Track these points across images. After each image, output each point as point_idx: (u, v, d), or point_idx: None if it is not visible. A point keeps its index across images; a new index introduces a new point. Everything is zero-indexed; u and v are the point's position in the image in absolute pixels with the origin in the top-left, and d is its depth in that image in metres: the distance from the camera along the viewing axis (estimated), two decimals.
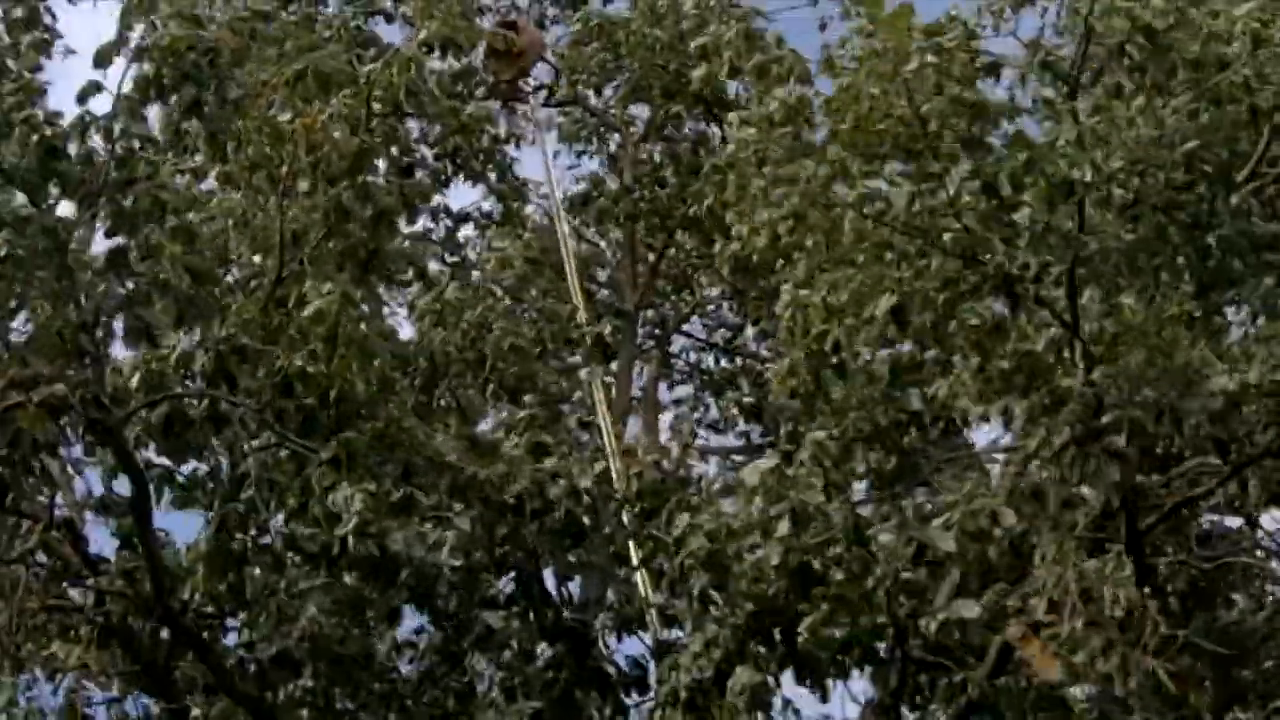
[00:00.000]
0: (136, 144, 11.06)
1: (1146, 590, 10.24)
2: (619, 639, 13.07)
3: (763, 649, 11.99)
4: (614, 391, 15.77)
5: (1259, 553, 13.59)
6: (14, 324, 10.97)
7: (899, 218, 10.78)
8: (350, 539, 11.25)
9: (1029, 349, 10.91)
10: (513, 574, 12.73)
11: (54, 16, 11.77)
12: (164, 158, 11.84)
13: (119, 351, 11.67)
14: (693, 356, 19.04)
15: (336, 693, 12.48)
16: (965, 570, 10.94)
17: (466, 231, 17.16)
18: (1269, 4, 10.73)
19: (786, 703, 12.51)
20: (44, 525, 11.61)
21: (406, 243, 13.23)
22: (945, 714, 12.07)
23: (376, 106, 12.48)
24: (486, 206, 17.24)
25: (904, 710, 12.39)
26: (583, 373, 15.53)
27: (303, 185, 12.36)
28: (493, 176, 16.69)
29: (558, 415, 14.39)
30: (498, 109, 16.52)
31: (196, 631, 12.27)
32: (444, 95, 12.82)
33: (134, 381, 11.60)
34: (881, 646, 12.14)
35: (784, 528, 10.99)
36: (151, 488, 11.75)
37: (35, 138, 10.80)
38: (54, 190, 10.93)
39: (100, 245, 11.63)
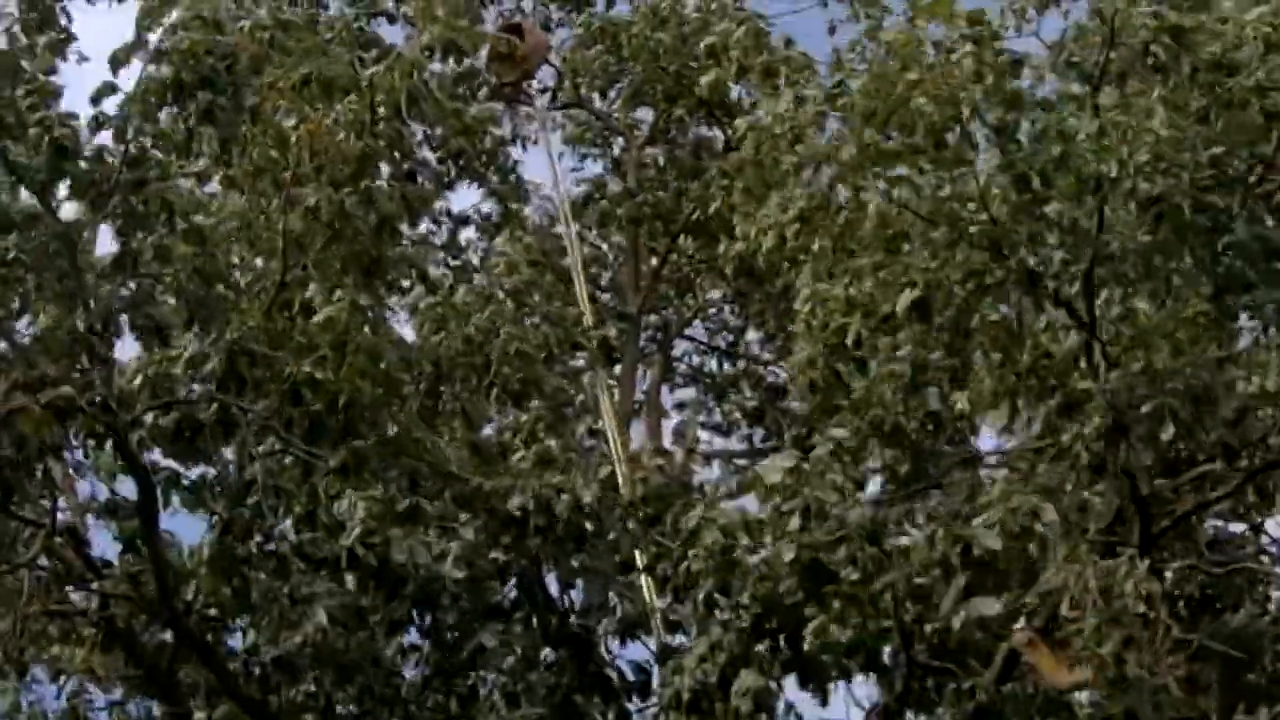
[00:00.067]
0: (149, 143, 11.05)
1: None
2: (622, 644, 13.06)
3: (767, 653, 12.01)
4: (617, 395, 15.73)
5: (1264, 558, 13.57)
6: (20, 325, 10.94)
7: (925, 205, 10.73)
8: (357, 547, 11.23)
9: (1048, 350, 10.88)
10: (516, 580, 12.70)
11: (69, 18, 11.76)
12: (171, 159, 11.80)
13: (123, 354, 11.73)
14: (695, 360, 19.01)
15: (340, 696, 12.43)
16: (1007, 568, 10.88)
17: (468, 234, 17.15)
18: None
19: (789, 706, 12.51)
20: (47, 531, 11.58)
21: (410, 248, 13.18)
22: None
23: (380, 111, 12.45)
24: (486, 209, 17.21)
25: (909, 715, 12.38)
26: (588, 376, 15.52)
27: (306, 191, 12.34)
28: (494, 178, 16.65)
29: (563, 420, 14.38)
30: (501, 110, 16.48)
31: (200, 635, 12.24)
32: (447, 98, 12.76)
33: (137, 383, 11.58)
34: (887, 651, 12.17)
35: (794, 523, 10.96)
36: (159, 491, 11.73)
37: (47, 139, 10.79)
38: (62, 191, 10.91)
39: (103, 246, 11.66)
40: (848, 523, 11.04)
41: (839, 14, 12.94)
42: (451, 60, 12.85)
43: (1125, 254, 10.46)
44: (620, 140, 17.66)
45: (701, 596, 11.92)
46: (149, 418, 11.62)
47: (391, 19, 18.59)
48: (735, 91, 15.78)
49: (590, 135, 17.66)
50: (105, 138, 11.24)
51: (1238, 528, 13.41)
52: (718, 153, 16.45)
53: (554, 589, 12.96)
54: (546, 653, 12.79)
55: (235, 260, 12.67)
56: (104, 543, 12.66)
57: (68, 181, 10.97)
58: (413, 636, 12.82)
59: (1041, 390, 11.03)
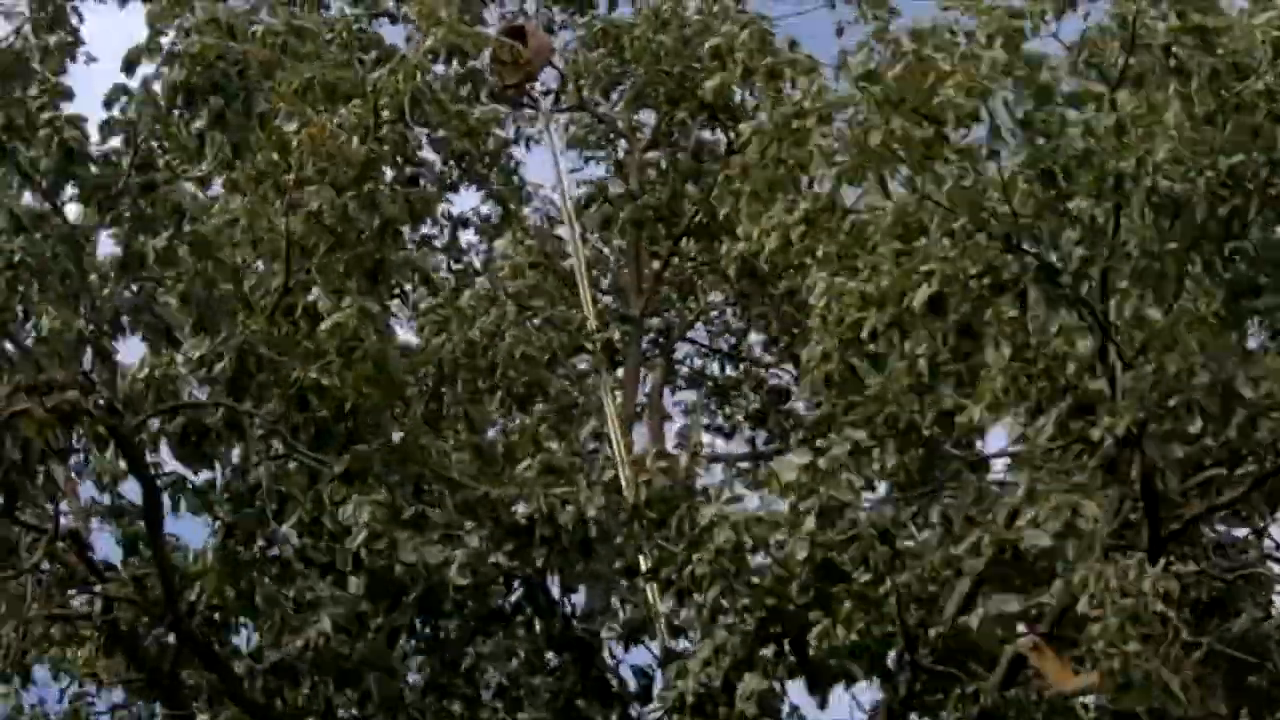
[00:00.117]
0: (156, 146, 11.03)
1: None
2: (625, 649, 13.03)
3: (772, 657, 12.00)
4: (620, 398, 15.71)
5: (1269, 563, 13.54)
6: (27, 328, 10.92)
7: (948, 195, 10.72)
8: (362, 552, 11.22)
9: (1061, 351, 10.86)
10: (519, 585, 12.68)
11: (80, 18, 11.72)
12: (180, 163, 11.79)
13: (127, 357, 11.71)
14: (697, 363, 18.98)
15: (341, 701, 12.40)
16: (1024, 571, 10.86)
17: (468, 236, 17.12)
18: None
19: (794, 709, 12.49)
20: (50, 537, 11.57)
21: (413, 252, 13.15)
22: None
23: (384, 114, 12.43)
24: (485, 210, 17.17)
25: (912, 718, 12.37)
26: (591, 379, 15.51)
27: (309, 195, 12.32)
28: (496, 180, 16.61)
29: (566, 423, 14.37)
30: (505, 111, 16.44)
31: (204, 638, 12.21)
32: (451, 100, 12.74)
33: (139, 387, 11.56)
34: (891, 655, 12.17)
35: (810, 523, 10.93)
36: (167, 494, 11.72)
37: (56, 141, 10.77)
38: (68, 191, 10.89)
39: (105, 248, 11.64)
40: (860, 522, 11.01)
41: (846, 15, 12.87)
42: (455, 63, 12.77)
43: (1143, 254, 10.42)
44: (622, 143, 17.62)
45: (708, 600, 11.92)
46: (154, 422, 11.58)
47: (393, 19, 18.60)
48: (738, 94, 15.71)
49: (594, 138, 17.62)
50: (114, 140, 11.19)
51: (1239, 531, 13.46)
52: (720, 156, 16.42)
53: (555, 592, 12.96)
54: (549, 657, 12.78)
55: (239, 264, 12.62)
56: (105, 546, 12.71)
57: (75, 183, 10.91)
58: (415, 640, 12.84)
59: (1054, 391, 11.00)
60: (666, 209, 16.78)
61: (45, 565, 11.96)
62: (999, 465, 12.83)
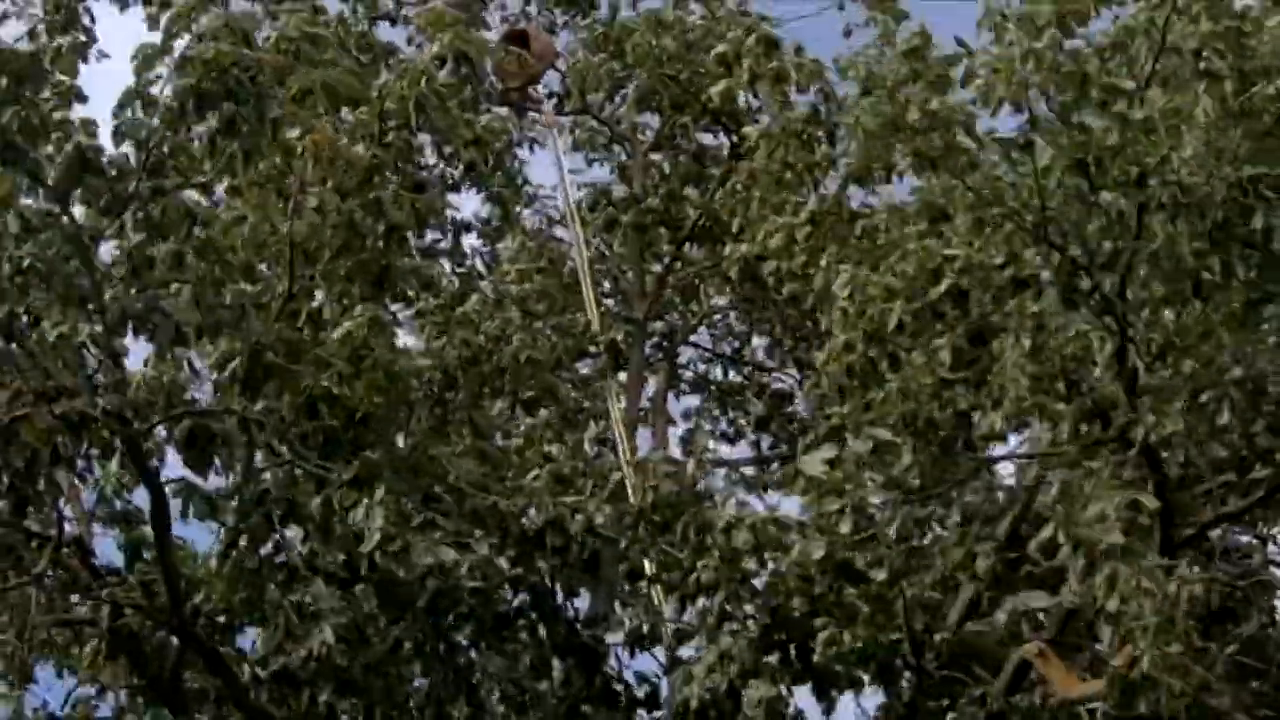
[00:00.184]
0: (167, 151, 11.02)
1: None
2: (631, 655, 13.01)
3: (778, 663, 11.99)
4: (623, 402, 15.69)
5: (1273, 568, 13.55)
6: (35, 333, 10.90)
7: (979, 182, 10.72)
8: (375, 555, 11.21)
9: (1079, 354, 10.86)
10: (524, 591, 12.66)
11: (93, 18, 11.69)
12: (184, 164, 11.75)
13: (133, 362, 11.70)
14: (700, 367, 18.95)
15: (345, 707, 12.38)
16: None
17: (471, 240, 17.09)
18: None
19: (799, 713, 12.48)
20: (55, 543, 11.55)
21: (419, 259, 13.13)
22: None
23: (390, 121, 12.41)
24: (484, 213, 17.14)
25: None
26: (598, 383, 15.50)
27: (311, 201, 12.30)
28: (497, 182, 16.56)
29: (570, 428, 14.37)
30: (508, 114, 16.41)
31: (209, 644, 12.20)
32: (457, 107, 12.72)
33: (146, 393, 11.56)
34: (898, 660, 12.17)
35: (846, 526, 10.90)
36: (179, 500, 11.73)
37: (69, 145, 10.75)
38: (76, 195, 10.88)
39: (105, 249, 11.61)
40: (877, 521, 10.98)
41: (855, 18, 12.82)
42: (461, 68, 12.74)
43: (1164, 251, 10.42)
44: (625, 146, 17.60)
45: (714, 605, 11.93)
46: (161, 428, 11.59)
47: (393, 21, 18.59)
48: (743, 98, 15.67)
49: (601, 141, 17.60)
50: (125, 145, 11.16)
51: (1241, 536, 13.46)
52: (723, 160, 16.41)
53: (558, 597, 12.95)
54: (554, 663, 12.76)
55: (248, 262, 12.58)
56: (106, 549, 12.71)
57: (86, 190, 10.89)
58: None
59: (1071, 393, 10.98)
60: (669, 213, 16.74)
61: (48, 571, 11.94)
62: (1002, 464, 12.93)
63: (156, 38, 11.53)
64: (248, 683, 12.22)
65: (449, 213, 14.40)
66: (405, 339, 13.52)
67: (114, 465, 11.64)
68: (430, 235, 14.71)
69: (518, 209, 16.63)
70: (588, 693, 12.72)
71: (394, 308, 13.29)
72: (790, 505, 12.53)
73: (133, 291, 11.19)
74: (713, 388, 18.60)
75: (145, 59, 11.24)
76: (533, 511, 12.19)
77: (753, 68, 14.82)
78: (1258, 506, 11.59)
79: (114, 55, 12.25)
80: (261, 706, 12.25)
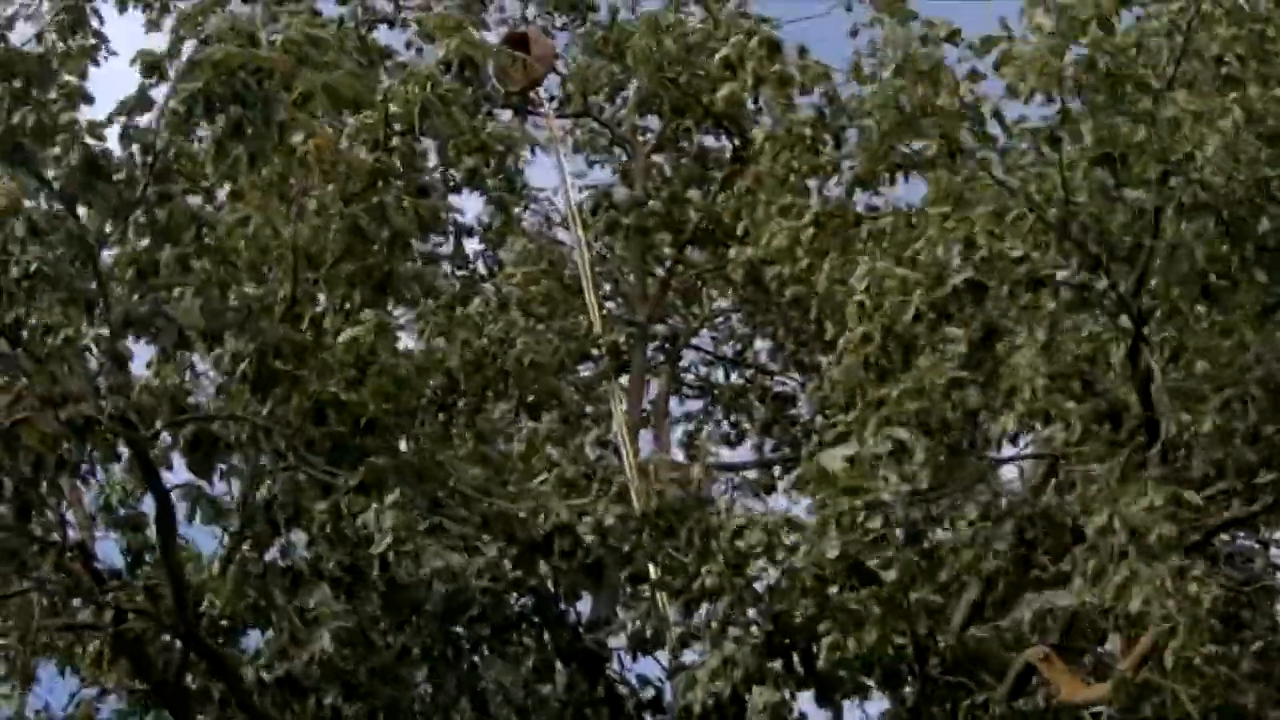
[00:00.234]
0: (172, 154, 11.01)
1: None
2: (634, 659, 13.00)
3: (782, 669, 11.98)
4: (625, 405, 15.67)
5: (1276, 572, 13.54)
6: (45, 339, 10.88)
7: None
8: (388, 556, 11.20)
9: (1090, 354, 10.84)
10: (528, 595, 12.65)
11: (101, 19, 11.64)
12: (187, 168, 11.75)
13: (137, 366, 11.68)
14: (702, 370, 18.94)
15: (349, 712, 12.36)
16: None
17: (473, 245, 17.05)
18: None
19: (802, 718, 12.48)
20: (58, 549, 11.53)
21: (421, 264, 13.10)
22: None
23: (395, 126, 12.38)
24: (486, 217, 17.11)
25: None
26: (602, 386, 15.49)
27: (312, 205, 12.28)
28: (497, 184, 16.54)
29: (573, 431, 14.35)
30: (512, 118, 16.41)
31: (215, 648, 12.18)
32: (462, 113, 12.69)
33: (150, 398, 11.54)
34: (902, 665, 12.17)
35: (875, 522, 10.85)
36: (186, 505, 11.71)
37: (76, 147, 10.73)
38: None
39: (108, 254, 11.59)
40: (892, 520, 10.95)
41: (862, 17, 12.83)
42: (466, 72, 12.71)
43: (1185, 250, 10.41)
44: (626, 148, 17.59)
45: (719, 610, 11.92)
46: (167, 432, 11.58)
47: (391, 24, 18.56)
48: (747, 100, 15.65)
49: (601, 143, 17.60)
50: (132, 149, 11.14)
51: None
52: (725, 162, 16.40)
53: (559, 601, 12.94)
54: (558, 667, 12.75)
55: (254, 262, 12.55)
56: (107, 552, 12.72)
57: (94, 194, 10.87)
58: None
59: (1085, 394, 10.96)
60: (671, 216, 16.72)
61: (51, 575, 11.93)
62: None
63: (156, 41, 11.51)
64: (251, 686, 12.20)
65: (451, 216, 14.34)
66: (407, 341, 13.54)
67: (119, 471, 11.63)
68: (432, 239, 14.67)
69: (518, 210, 16.61)
70: (590, 697, 12.69)
71: (396, 311, 13.27)
72: (792, 508, 12.60)
73: (136, 296, 11.18)
74: (715, 391, 18.58)
75: (151, 63, 11.24)
76: (540, 517, 12.14)
77: (756, 71, 14.80)
78: (1267, 512, 11.56)
79: (113, 57, 12.22)
80: (265, 711, 12.23)
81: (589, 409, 15.54)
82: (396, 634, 11.97)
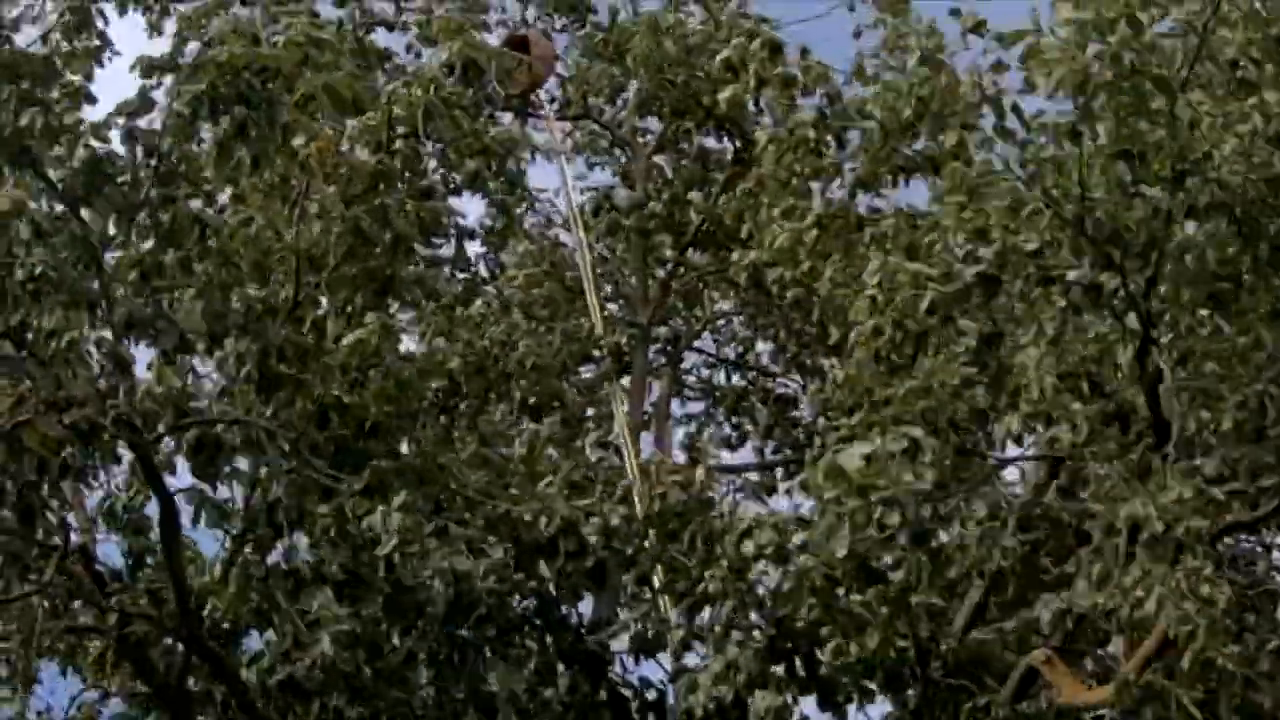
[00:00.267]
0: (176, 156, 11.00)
1: None
2: (636, 661, 12.99)
3: (784, 674, 11.98)
4: (626, 406, 15.68)
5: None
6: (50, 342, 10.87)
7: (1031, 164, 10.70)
8: (393, 559, 11.19)
9: (1098, 355, 10.82)
10: (531, 597, 12.64)
11: (106, 20, 11.63)
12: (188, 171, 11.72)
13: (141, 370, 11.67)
14: (704, 373, 18.93)
15: (352, 715, 12.35)
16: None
17: (474, 248, 17.04)
18: None
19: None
20: (61, 552, 11.52)
21: (423, 268, 13.10)
22: None
23: (398, 129, 12.37)
24: (487, 220, 17.10)
25: None
26: (605, 388, 15.49)
27: (314, 209, 12.27)
28: (498, 189, 16.53)
29: (576, 433, 14.35)
30: (513, 121, 16.40)
31: (217, 652, 12.17)
32: (465, 116, 12.68)
33: (153, 402, 11.52)
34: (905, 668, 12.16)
35: (894, 519, 10.81)
36: (191, 508, 11.71)
37: (80, 148, 10.71)
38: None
39: (110, 256, 11.57)
40: (905, 518, 10.91)
41: (865, 19, 12.85)
42: (469, 75, 12.70)
43: (1197, 250, 10.41)
44: (627, 149, 17.58)
45: (721, 615, 11.92)
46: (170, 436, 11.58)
47: (390, 27, 18.55)
48: (749, 102, 15.63)
49: (602, 145, 17.59)
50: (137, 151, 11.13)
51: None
52: (726, 164, 16.39)
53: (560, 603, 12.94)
54: (559, 669, 12.74)
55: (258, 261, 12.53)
56: (107, 554, 12.72)
57: (100, 195, 10.86)
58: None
59: (1094, 394, 10.94)
60: (673, 218, 16.72)
61: (53, 578, 11.91)
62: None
63: (156, 44, 11.50)
64: (254, 690, 12.19)
65: (455, 220, 14.33)
66: (408, 344, 13.54)
67: (122, 476, 11.65)
68: (434, 242, 14.66)
69: (520, 210, 16.59)
70: (592, 700, 12.68)
71: (398, 314, 13.28)
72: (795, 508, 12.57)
73: (140, 298, 11.17)
74: (717, 393, 18.58)
75: (154, 65, 11.23)
76: (543, 519, 12.13)
77: (759, 72, 14.78)
78: (1273, 516, 11.55)
79: (115, 58, 12.20)
80: (267, 715, 12.22)
81: (590, 410, 15.53)
82: (403, 637, 11.94)
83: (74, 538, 11.91)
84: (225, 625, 12.41)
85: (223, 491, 12.18)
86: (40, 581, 11.63)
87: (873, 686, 12.10)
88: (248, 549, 12.47)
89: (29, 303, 10.64)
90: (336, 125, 12.45)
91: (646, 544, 12.57)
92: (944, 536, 11.43)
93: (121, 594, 12.03)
